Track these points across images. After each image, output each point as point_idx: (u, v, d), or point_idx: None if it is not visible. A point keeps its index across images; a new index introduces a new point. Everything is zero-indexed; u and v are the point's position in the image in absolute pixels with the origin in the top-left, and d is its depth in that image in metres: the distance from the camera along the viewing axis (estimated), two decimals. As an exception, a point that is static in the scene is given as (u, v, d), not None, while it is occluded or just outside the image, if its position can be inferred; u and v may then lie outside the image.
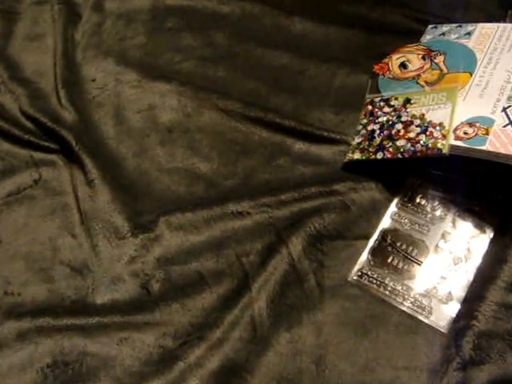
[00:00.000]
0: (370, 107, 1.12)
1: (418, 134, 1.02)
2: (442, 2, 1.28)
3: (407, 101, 1.08)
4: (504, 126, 0.97)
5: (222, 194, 1.08)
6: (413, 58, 1.15)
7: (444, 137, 0.99)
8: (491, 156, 0.95)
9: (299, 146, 1.12)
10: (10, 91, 1.24)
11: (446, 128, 1.00)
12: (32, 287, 1.00)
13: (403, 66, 1.15)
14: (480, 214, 1.00)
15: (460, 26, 1.18)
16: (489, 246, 0.97)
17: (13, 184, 1.12)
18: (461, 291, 0.94)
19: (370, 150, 1.06)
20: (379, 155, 1.04)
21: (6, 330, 0.94)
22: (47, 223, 1.07)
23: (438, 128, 1.01)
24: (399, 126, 1.05)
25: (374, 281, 0.96)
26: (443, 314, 0.92)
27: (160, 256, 1.02)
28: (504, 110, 0.99)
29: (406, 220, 1.01)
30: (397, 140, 1.04)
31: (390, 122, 1.07)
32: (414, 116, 1.05)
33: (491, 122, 0.98)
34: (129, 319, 0.95)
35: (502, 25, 1.14)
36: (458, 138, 0.98)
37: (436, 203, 1.02)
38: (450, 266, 0.96)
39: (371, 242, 1.00)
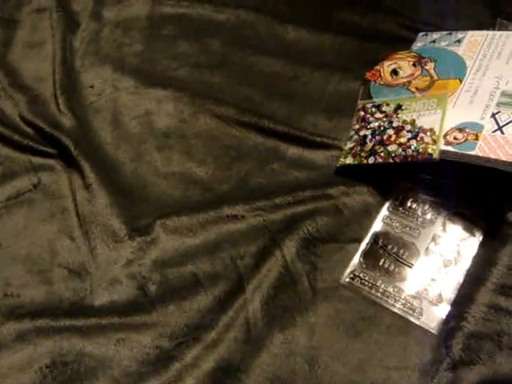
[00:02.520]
0: (362, 113, 1.13)
1: (409, 140, 1.03)
2: (433, 10, 1.28)
3: (398, 107, 1.09)
4: (493, 132, 0.98)
5: (217, 198, 1.09)
6: (404, 64, 1.16)
7: (434, 142, 1.00)
8: (480, 161, 0.96)
9: (293, 150, 1.13)
10: (9, 97, 1.25)
11: (437, 133, 1.01)
12: (31, 289, 1.01)
13: (394, 72, 1.15)
14: (469, 218, 1.01)
15: (450, 34, 1.18)
16: (478, 249, 0.98)
17: (12, 188, 1.13)
18: (451, 293, 0.95)
19: (362, 154, 1.06)
20: (371, 160, 1.05)
21: (6, 331, 0.95)
22: (46, 226, 1.08)
23: (428, 133, 1.02)
24: (390, 132, 1.06)
25: (366, 283, 0.97)
26: (434, 316, 0.93)
27: (156, 258, 1.02)
28: (493, 115, 1.00)
29: (397, 223, 1.02)
30: (388, 145, 1.05)
31: (382, 128, 1.08)
32: (405, 122, 1.06)
33: (481, 127, 0.99)
34: (126, 320, 0.95)
35: (491, 32, 1.15)
36: (448, 143, 0.99)
37: (426, 207, 1.03)
38: (440, 269, 0.97)
39: (363, 245, 1.01)
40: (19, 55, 1.34)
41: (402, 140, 1.04)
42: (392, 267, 0.98)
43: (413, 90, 1.11)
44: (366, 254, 1.00)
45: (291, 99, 1.21)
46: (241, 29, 1.33)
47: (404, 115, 1.07)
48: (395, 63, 1.17)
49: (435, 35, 1.20)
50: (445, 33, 1.20)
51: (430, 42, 1.20)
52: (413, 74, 1.14)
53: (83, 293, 1.00)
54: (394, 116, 1.08)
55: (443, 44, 1.17)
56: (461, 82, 1.08)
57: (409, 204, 1.04)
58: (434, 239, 1.00)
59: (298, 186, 1.08)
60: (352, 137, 1.11)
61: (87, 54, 1.33)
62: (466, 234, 1.00)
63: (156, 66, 1.30)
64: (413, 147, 1.02)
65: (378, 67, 1.18)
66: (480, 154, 0.96)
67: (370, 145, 1.07)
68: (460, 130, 1.00)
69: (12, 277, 1.03)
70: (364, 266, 0.99)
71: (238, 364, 0.91)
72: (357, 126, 1.12)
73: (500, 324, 0.90)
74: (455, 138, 0.99)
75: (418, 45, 1.21)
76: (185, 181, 1.12)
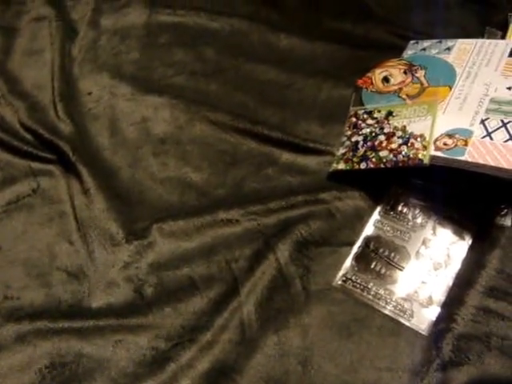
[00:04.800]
0: (353, 119, 1.14)
1: (399, 145, 1.04)
2: (424, 19, 1.29)
3: (389, 113, 1.10)
4: (482, 138, 0.99)
5: (212, 203, 1.09)
6: (395, 72, 1.17)
7: (425, 148, 1.01)
8: (470, 166, 0.97)
9: (286, 156, 1.14)
10: (9, 104, 1.25)
11: (427, 139, 1.02)
12: (30, 292, 1.01)
13: (386, 80, 1.16)
14: (459, 222, 1.02)
15: (440, 42, 1.19)
16: (468, 252, 0.99)
17: (12, 193, 1.13)
18: (441, 295, 0.96)
19: (354, 160, 1.07)
20: (363, 165, 1.06)
21: (6, 333, 0.95)
22: (45, 230, 1.08)
23: (419, 139, 1.03)
24: (382, 138, 1.07)
25: (358, 285, 0.98)
26: (424, 317, 0.94)
27: (153, 262, 1.03)
28: (482, 121, 1.01)
29: (389, 227, 1.03)
30: (380, 151, 1.06)
31: (373, 134, 1.09)
32: (396, 128, 1.07)
33: (470, 133, 1.00)
34: (123, 322, 0.96)
35: (480, 40, 1.16)
36: (438, 148, 1.00)
37: (417, 211, 1.04)
38: (430, 272, 0.98)
39: (355, 249, 1.02)
40: (19, 63, 1.34)
41: (393, 146, 1.05)
42: (383, 270, 0.99)
43: (404, 96, 1.12)
44: (357, 258, 1.01)
45: (285, 106, 1.21)
46: (235, 37, 1.34)
47: (395, 121, 1.08)
48: (386, 71, 1.18)
49: (425, 43, 1.21)
50: (435, 41, 1.21)
51: (421, 50, 1.21)
52: (404, 82, 1.15)
53: (81, 295, 1.01)
54: (386, 122, 1.09)
55: (433, 52, 1.19)
56: (451, 89, 1.09)
57: (400, 208, 1.05)
58: (424, 243, 1.01)
59: (292, 190, 1.09)
60: (344, 143, 1.12)
61: (85, 62, 1.33)
62: (455, 238, 1.01)
63: (152, 74, 1.30)
64: (404, 153, 1.03)
65: (369, 74, 1.19)
66: (469, 160, 0.97)
67: (361, 150, 1.08)
68: (450, 135, 1.01)
69: (12, 280, 1.03)
70: (356, 269, 1.00)
71: (233, 365, 0.92)
72: (349, 132, 1.13)
73: (489, 326, 0.91)
74: (445, 144, 1.01)
75: (408, 53, 1.22)
76: (181, 186, 1.13)
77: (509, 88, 1.06)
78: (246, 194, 1.11)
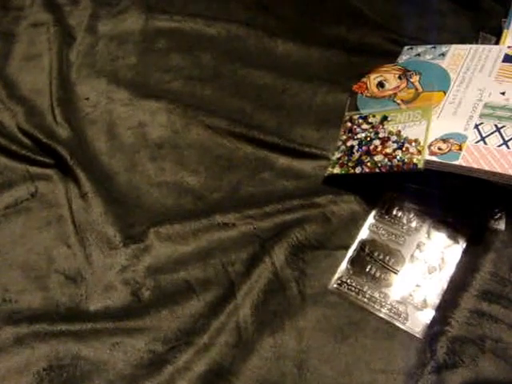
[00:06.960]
0: (349, 124, 1.14)
1: (394, 150, 1.05)
2: (418, 25, 1.30)
3: (384, 118, 1.11)
4: (476, 142, 1.00)
5: (208, 207, 1.10)
6: (390, 77, 1.18)
7: (419, 152, 1.02)
8: (464, 170, 0.98)
9: (282, 160, 1.15)
10: (8, 109, 1.25)
11: (421, 144, 1.03)
12: (28, 295, 1.01)
13: (381, 85, 1.17)
14: (453, 226, 1.03)
15: (434, 48, 1.20)
16: (462, 256, 1.00)
17: (10, 197, 1.13)
18: (435, 298, 0.96)
19: (349, 164, 1.08)
20: (358, 170, 1.06)
21: (4, 335, 0.95)
22: (43, 234, 1.08)
23: (413, 144, 1.04)
24: (377, 142, 1.08)
25: (353, 289, 0.99)
26: (418, 320, 0.95)
27: (150, 265, 1.03)
28: (476, 126, 1.02)
29: (383, 231, 1.03)
30: (374, 155, 1.06)
31: (368, 138, 1.10)
32: (390, 132, 1.08)
33: (464, 138, 1.01)
34: (120, 325, 0.96)
35: (474, 46, 1.17)
36: (432, 153, 1.01)
37: (412, 215, 1.05)
38: (424, 275, 0.99)
39: (350, 252, 1.02)
40: (17, 68, 1.34)
41: (388, 150, 1.06)
42: (378, 273, 1.00)
43: (398, 101, 1.13)
44: (353, 261, 1.02)
45: (280, 111, 1.22)
46: (232, 43, 1.34)
47: (390, 126, 1.09)
48: (381, 76, 1.19)
49: (420, 49, 1.22)
50: (429, 46, 1.22)
51: (415, 56, 1.21)
52: (398, 87, 1.15)
53: (79, 298, 1.01)
54: (381, 127, 1.10)
55: (428, 57, 1.19)
56: (445, 94, 1.10)
57: (394, 212, 1.06)
58: (418, 246, 1.02)
59: (288, 194, 1.10)
60: (339, 147, 1.13)
61: (83, 67, 1.33)
62: (449, 242, 1.02)
63: (149, 79, 1.31)
64: (398, 157, 1.04)
65: (364, 80, 1.20)
66: (463, 164, 0.98)
67: (356, 155, 1.09)
68: (444, 140, 1.02)
69: (10, 283, 1.03)
70: (351, 272, 1.00)
71: (229, 367, 0.92)
72: (344, 137, 1.14)
73: (483, 328, 0.92)
74: (439, 149, 1.01)
75: (403, 58, 1.23)
76: (177, 190, 1.13)
77: (502, 93, 1.07)
78: (242, 197, 1.11)
